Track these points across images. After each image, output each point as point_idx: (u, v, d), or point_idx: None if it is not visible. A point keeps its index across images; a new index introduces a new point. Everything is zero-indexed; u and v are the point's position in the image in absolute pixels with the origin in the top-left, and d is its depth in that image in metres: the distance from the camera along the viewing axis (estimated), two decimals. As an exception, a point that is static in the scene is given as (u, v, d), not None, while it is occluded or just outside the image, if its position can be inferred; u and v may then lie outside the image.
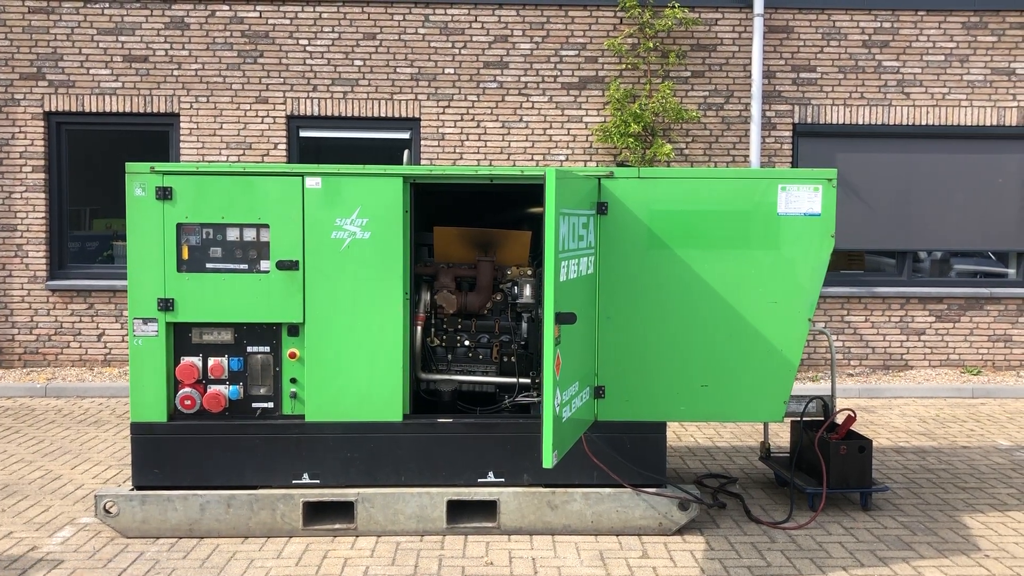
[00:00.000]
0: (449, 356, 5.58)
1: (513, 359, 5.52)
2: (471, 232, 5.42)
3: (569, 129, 9.81)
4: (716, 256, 5.07)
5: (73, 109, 9.75)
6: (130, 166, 5.02)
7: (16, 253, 9.78)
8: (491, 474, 5.14)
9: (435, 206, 5.93)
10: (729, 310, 5.07)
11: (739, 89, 9.86)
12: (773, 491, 5.97)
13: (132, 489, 5.07)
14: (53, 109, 9.75)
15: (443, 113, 9.80)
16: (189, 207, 5.01)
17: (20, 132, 9.73)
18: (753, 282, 5.08)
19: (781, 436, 7.32)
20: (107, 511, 5.01)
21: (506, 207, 5.99)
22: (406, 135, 9.91)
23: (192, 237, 5.05)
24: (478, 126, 9.81)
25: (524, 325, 5.52)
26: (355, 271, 5.04)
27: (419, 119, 9.83)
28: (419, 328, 5.35)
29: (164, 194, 4.99)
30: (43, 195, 9.76)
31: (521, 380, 5.38)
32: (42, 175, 9.76)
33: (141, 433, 5.07)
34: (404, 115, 9.81)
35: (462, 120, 9.81)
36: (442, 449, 5.13)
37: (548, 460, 4.16)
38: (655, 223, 5.06)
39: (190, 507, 5.02)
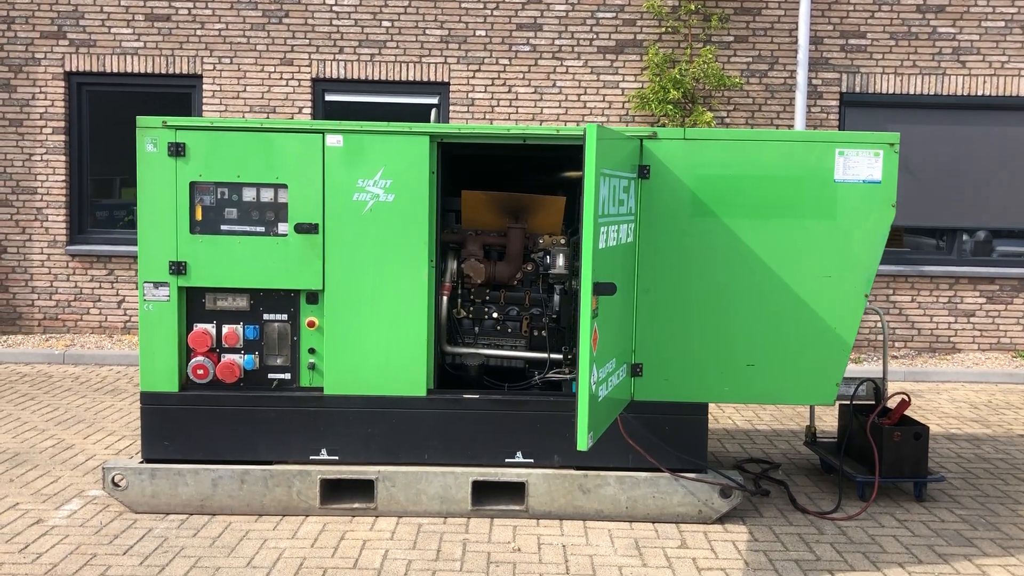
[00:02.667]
0: (476, 329, 5.26)
1: (544, 333, 5.19)
2: (501, 197, 5.07)
3: (605, 95, 9.40)
4: (766, 225, 4.69)
5: (94, 69, 9.49)
6: (141, 120, 4.72)
7: (36, 217, 9.58)
8: (519, 454, 4.83)
9: (463, 170, 5.59)
10: (779, 284, 4.70)
11: (784, 55, 9.40)
12: (819, 478, 5.62)
13: (142, 462, 4.82)
14: (74, 69, 9.50)
15: (473, 77, 9.43)
16: (203, 165, 4.71)
17: (40, 93, 9.49)
18: (806, 254, 4.70)
19: (825, 420, 6.95)
20: (115, 484, 4.77)
21: (538, 172, 5.64)
22: (434, 100, 9.55)
23: (206, 197, 4.75)
24: (509, 91, 9.43)
25: (556, 297, 5.18)
26: (378, 236, 4.72)
27: (448, 83, 9.47)
28: (445, 298, 5.03)
29: (177, 150, 4.69)
30: (63, 158, 9.53)
31: (552, 355, 5.05)
32: (62, 137, 9.52)
33: (151, 403, 4.80)
34: (433, 79, 9.45)
35: (493, 85, 9.43)
36: (468, 427, 4.82)
37: (583, 442, 3.83)
38: (701, 189, 4.68)
39: (202, 482, 4.76)
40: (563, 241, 5.18)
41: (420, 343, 4.78)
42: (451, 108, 9.42)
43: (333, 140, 4.71)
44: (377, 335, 4.76)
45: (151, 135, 4.71)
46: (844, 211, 4.69)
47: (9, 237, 9.60)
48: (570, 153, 5.29)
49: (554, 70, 9.41)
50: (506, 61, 9.41)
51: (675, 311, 4.72)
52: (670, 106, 8.81)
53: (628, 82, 9.40)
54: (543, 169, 5.65)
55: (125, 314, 9.62)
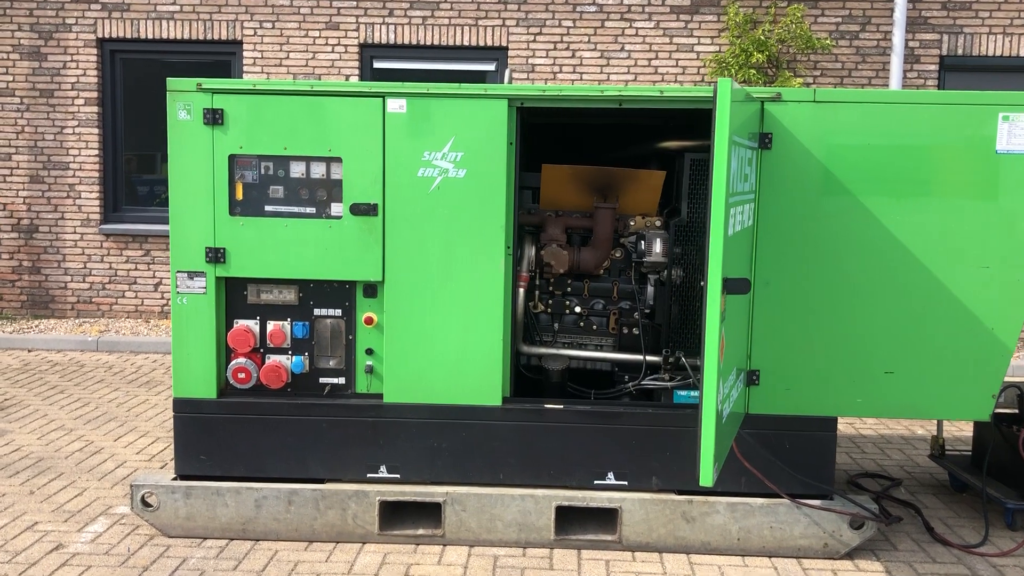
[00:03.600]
0: (555, 325, 4.56)
1: (635, 331, 4.47)
2: (589, 171, 4.33)
3: (678, 60, 8.58)
4: (911, 206, 3.91)
5: (128, 35, 8.87)
6: (172, 82, 4.05)
7: (68, 194, 9.02)
8: (611, 475, 4.12)
9: (537, 142, 4.86)
10: (926, 276, 3.92)
11: (878, 15, 8.49)
12: (950, 498, 4.85)
13: (175, 478, 4.19)
14: (107, 35, 8.89)
15: (533, 41, 8.66)
16: (244, 135, 4.03)
17: (72, 61, 8.90)
18: (959, 240, 3.91)
19: (952, 429, 6.14)
20: (145, 503, 4.15)
21: (625, 145, 4.88)
22: (491, 67, 8.80)
23: (248, 172, 4.07)
24: (573, 56, 8.64)
25: (650, 289, 4.45)
26: (447, 218, 4.01)
27: (506, 48, 8.71)
28: (521, 291, 4.32)
29: (214, 118, 4.01)
30: (96, 131, 8.95)
31: (649, 358, 4.32)
32: (95, 108, 8.93)
33: (185, 411, 4.16)
34: (489, 43, 8.69)
35: (555, 49, 8.65)
36: (550, 442, 4.12)
37: (707, 476, 3.12)
38: (833, 161, 3.91)
39: (243, 503, 4.12)
40: (658, 223, 4.44)
41: (495, 344, 4.08)
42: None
43: (395, 105, 4.00)
44: (445, 334, 4.07)
45: (184, 100, 4.03)
46: (1008, 189, 3.89)
47: (40, 216, 9.06)
48: (671, 119, 4.54)
49: (622, 32, 8.60)
50: (570, 23, 8.62)
51: (799, 307, 3.97)
52: (752, 71, 7.98)
53: (704, 45, 8.56)
54: (631, 141, 4.90)
55: (162, 297, 9.05)
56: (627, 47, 8.61)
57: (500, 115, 3.98)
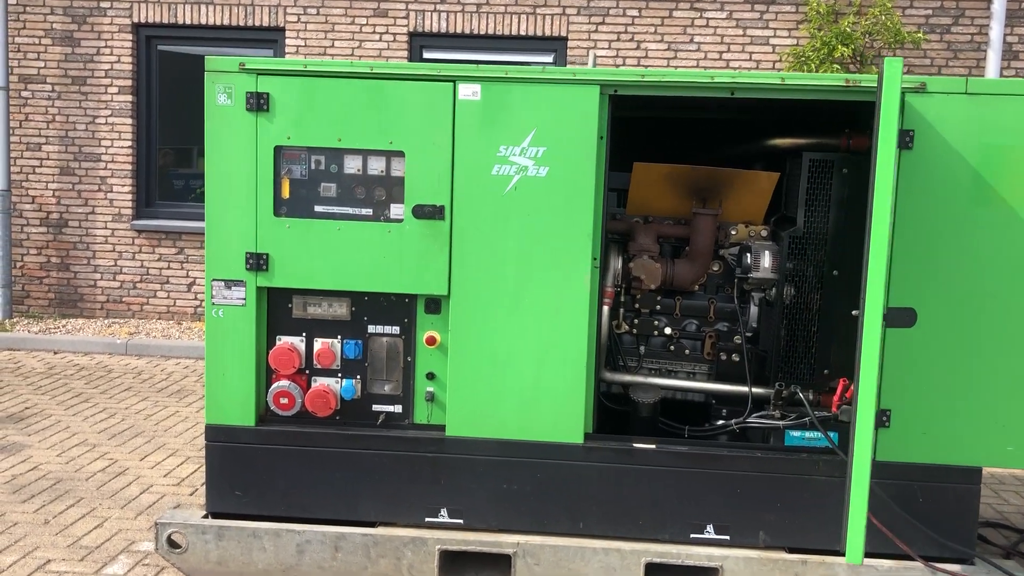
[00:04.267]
0: (641, 348, 3.97)
1: (735, 358, 3.87)
2: (690, 172, 3.74)
3: (751, 53, 7.94)
4: (1081, 220, 3.27)
5: (165, 20, 8.40)
6: (211, 61, 3.51)
7: (100, 187, 8.57)
8: (710, 528, 3.53)
9: (617, 139, 4.27)
10: (1097, 304, 3.29)
11: (973, 7, 7.80)
12: (1091, 557, 4.18)
13: (206, 516, 3.66)
14: (143, 20, 8.42)
15: (595, 31, 8.06)
16: (293, 123, 3.49)
17: (106, 47, 8.45)
18: None
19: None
20: (172, 544, 3.62)
21: (720, 145, 4.27)
22: (549, 58, 8.22)
23: (296, 167, 3.53)
24: (638, 47, 8.04)
25: (754, 309, 3.85)
26: (525, 223, 3.45)
27: (566, 39, 8.12)
28: (606, 308, 3.74)
29: (258, 103, 3.47)
30: (130, 121, 8.49)
31: (755, 390, 3.72)
32: (129, 97, 8.47)
33: (219, 440, 3.63)
34: (547, 33, 8.11)
35: (618, 40, 8.05)
36: (640, 488, 3.53)
37: (857, 552, 2.52)
38: (988, 165, 3.29)
39: (283, 547, 3.58)
40: (764, 233, 3.85)
41: (577, 372, 3.50)
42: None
43: (468, 91, 3.43)
44: (519, 359, 3.50)
45: (224, 82, 3.50)
46: None
47: (70, 210, 8.62)
48: (785, 113, 3.94)
49: (692, 23, 7.98)
50: (635, 12, 8.02)
51: (942, 337, 3.34)
52: (836, 66, 7.32)
53: (780, 38, 7.92)
54: (721, 138, 4.29)
55: (196, 298, 8.58)
56: (696, 39, 7.99)
57: (590, 104, 3.41)
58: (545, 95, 3.41)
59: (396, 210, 3.52)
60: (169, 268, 8.57)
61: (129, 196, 8.55)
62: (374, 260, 3.50)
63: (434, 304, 3.56)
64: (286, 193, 3.55)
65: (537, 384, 3.51)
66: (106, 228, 8.61)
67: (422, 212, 3.46)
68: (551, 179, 3.43)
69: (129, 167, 8.52)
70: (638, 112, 3.89)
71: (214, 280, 3.57)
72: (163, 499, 4.54)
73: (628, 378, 3.85)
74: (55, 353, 7.72)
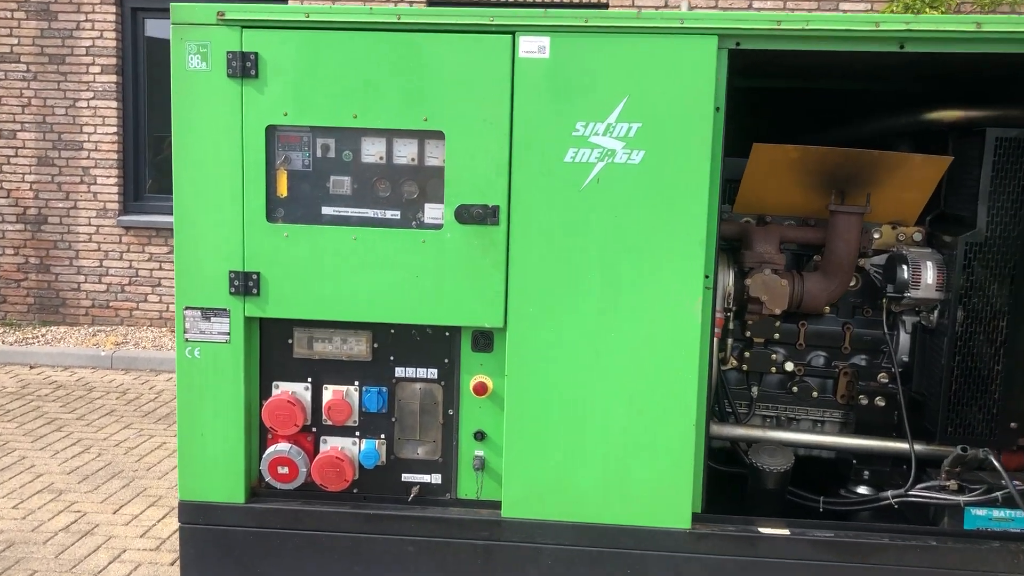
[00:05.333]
0: (753, 389, 3.02)
1: (879, 402, 2.92)
2: (830, 156, 2.78)
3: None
4: None
5: (152, -9, 7.46)
6: (178, 10, 2.57)
7: (82, 179, 7.66)
8: (866, 643, 2.59)
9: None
10: None
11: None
12: None
13: (181, 622, 2.74)
14: (127, -9, 7.49)
15: (640, -3, 7.09)
16: (291, 95, 2.55)
17: (86, 21, 7.53)
18: None
19: None
20: (137, 660, 2.71)
21: (845, 121, 3.29)
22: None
23: (296, 154, 2.60)
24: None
25: (904, 338, 2.92)
26: (610, 228, 2.51)
27: (607, 4, 7.15)
28: (716, 340, 2.79)
29: (244, 67, 2.54)
30: (115, 104, 7.58)
31: (917, 447, 2.77)
32: (114, 78, 7.55)
33: (197, 523, 2.71)
34: None
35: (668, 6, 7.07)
36: (769, 587, 2.60)
37: None
38: None
39: (285, 667, 2.66)
40: (917, 237, 2.89)
41: (684, 429, 2.56)
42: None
43: (532, 46, 2.48)
44: (603, 412, 2.57)
45: (197, 39, 2.55)
46: None
47: (50, 204, 7.72)
48: (925, 89, 2.98)
49: (751, -15, 7.00)
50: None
51: None
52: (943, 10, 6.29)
53: None
54: (849, 113, 3.32)
55: (190, 302, 7.65)
56: None
57: (705, 62, 2.45)
58: (641, 50, 2.46)
59: (433, 212, 2.58)
60: (161, 269, 7.65)
61: (115, 189, 7.65)
62: (403, 280, 2.57)
63: (485, 339, 2.62)
64: (283, 190, 2.61)
65: (628, 447, 2.57)
66: (90, 225, 7.71)
67: (469, 215, 2.52)
68: (648, 167, 2.49)
69: (115, 156, 7.62)
70: (752, 79, 2.93)
71: (187, 309, 2.63)
72: (136, 572, 3.63)
73: (744, 432, 2.90)
74: (31, 368, 6.83)
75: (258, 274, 2.60)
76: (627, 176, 2.50)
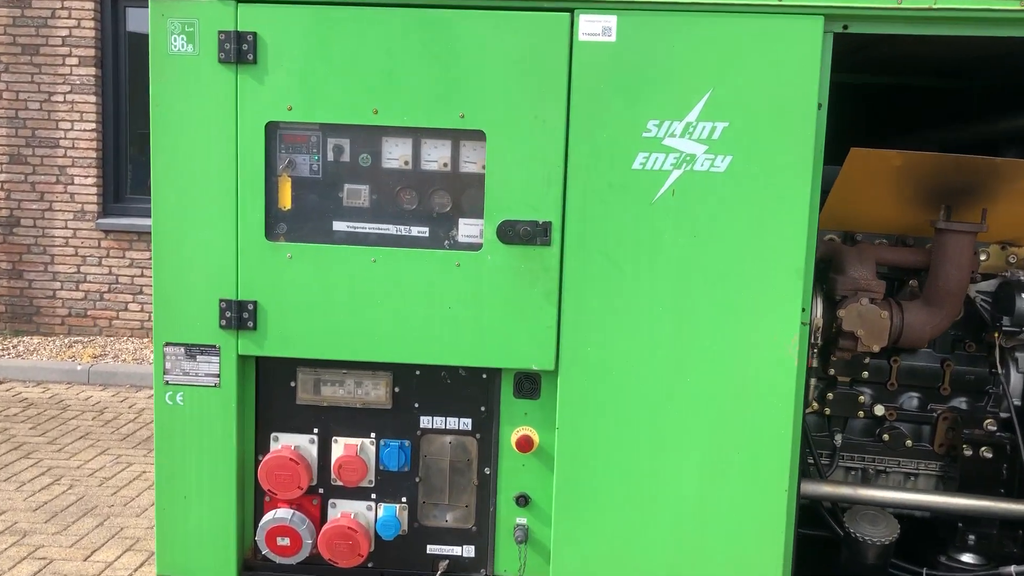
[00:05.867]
0: (836, 437, 2.57)
1: (986, 453, 2.48)
2: (941, 163, 2.33)
3: None
4: None
5: (134, -23, 6.99)
6: (157, -21, 2.11)
7: (58, 179, 7.19)
8: None
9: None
10: None
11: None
12: None
13: None
14: (108, -23, 7.02)
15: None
16: (297, 85, 2.09)
17: (63, 8, 7.10)
18: None
19: None
20: None
21: (956, 125, 2.84)
22: None
23: (302, 158, 2.14)
24: None
25: (1016, 377, 2.48)
26: (688, 253, 2.07)
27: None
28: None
29: (239, 50, 2.07)
30: (94, 98, 7.10)
31: (1038, 512, 2.33)
32: (92, 70, 7.06)
33: (178, 605, 2.24)
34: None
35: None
36: None
37: None
38: None
39: None
40: (1033, 260, 2.45)
41: (773, 498, 2.12)
42: None
43: (595, 27, 2.02)
44: (675, 473, 2.11)
45: (181, 16, 2.09)
46: None
47: (23, 205, 7.25)
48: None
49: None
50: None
51: None
52: None
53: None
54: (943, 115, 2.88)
55: (174, 312, 7.17)
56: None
57: (808, 49, 2.01)
58: (729, 33, 2.01)
59: (469, 229, 2.12)
60: (143, 276, 7.20)
61: (94, 189, 7.22)
62: (432, 311, 2.11)
63: (531, 384, 2.17)
64: (286, 201, 2.14)
65: (704, 517, 2.12)
66: (67, 228, 7.28)
67: (514, 233, 2.06)
68: (735, 176, 2.04)
69: (93, 154, 7.18)
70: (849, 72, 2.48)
71: (168, 346, 2.16)
72: (109, 637, 3.16)
73: (831, 490, 2.45)
74: (0, 383, 6.32)
75: (255, 303, 2.13)
76: (709, 187, 2.04)
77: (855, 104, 2.86)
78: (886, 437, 2.57)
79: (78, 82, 7.11)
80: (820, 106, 2.04)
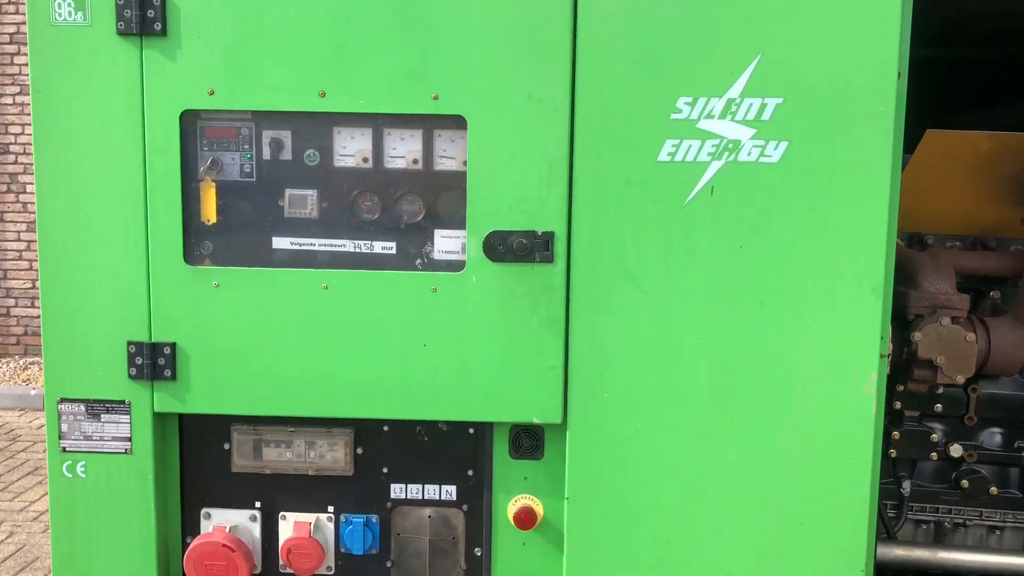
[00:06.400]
0: (904, 484, 2.11)
1: (1089, 500, 2.02)
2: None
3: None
4: None
5: (86, -32, 6.46)
6: (31, -75, 1.62)
7: (9, 187, 6.68)
8: None
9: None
10: None
11: None
12: None
13: None
14: (57, -32, 6.48)
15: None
16: (220, 62, 1.62)
17: (9, 3, 6.63)
18: None
19: None
20: None
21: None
22: None
23: (230, 156, 1.67)
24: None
25: None
26: (731, 268, 1.61)
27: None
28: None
29: (143, 18, 1.61)
30: (46, 100, 6.55)
31: None
32: (43, 70, 6.53)
33: None
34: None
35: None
36: None
37: None
38: None
39: None
40: None
41: (851, 566, 1.64)
42: None
43: (607, -22, 1.55)
44: (716, 557, 1.65)
45: (66, -26, 1.61)
46: None
47: (-29, 215, 6.73)
48: None
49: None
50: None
51: None
52: None
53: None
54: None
55: (138, 328, 6.68)
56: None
57: (887, 6, 1.53)
58: (782, -19, 1.54)
59: (448, 244, 1.65)
60: (103, 290, 6.67)
61: (48, 198, 6.64)
62: (403, 350, 1.63)
63: (532, 440, 1.70)
64: (210, 213, 1.67)
65: (758, 604, 1.65)
66: (19, 240, 6.76)
67: (506, 247, 1.59)
68: (793, 168, 1.58)
69: (46, 160, 6.61)
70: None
71: (63, 403, 1.68)
72: None
73: (906, 553, 1.99)
74: (-54, 411, 5.81)
75: (173, 346, 1.65)
76: (759, 183, 1.58)
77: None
78: (965, 483, 2.11)
79: (28, 82, 6.59)
80: (900, 75, 1.57)
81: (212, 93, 1.62)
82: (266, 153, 1.66)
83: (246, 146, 1.66)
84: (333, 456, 1.73)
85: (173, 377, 1.66)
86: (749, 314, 1.61)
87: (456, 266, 1.64)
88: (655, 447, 1.64)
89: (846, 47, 1.55)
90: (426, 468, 1.73)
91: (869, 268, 1.59)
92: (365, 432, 1.72)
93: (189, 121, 1.63)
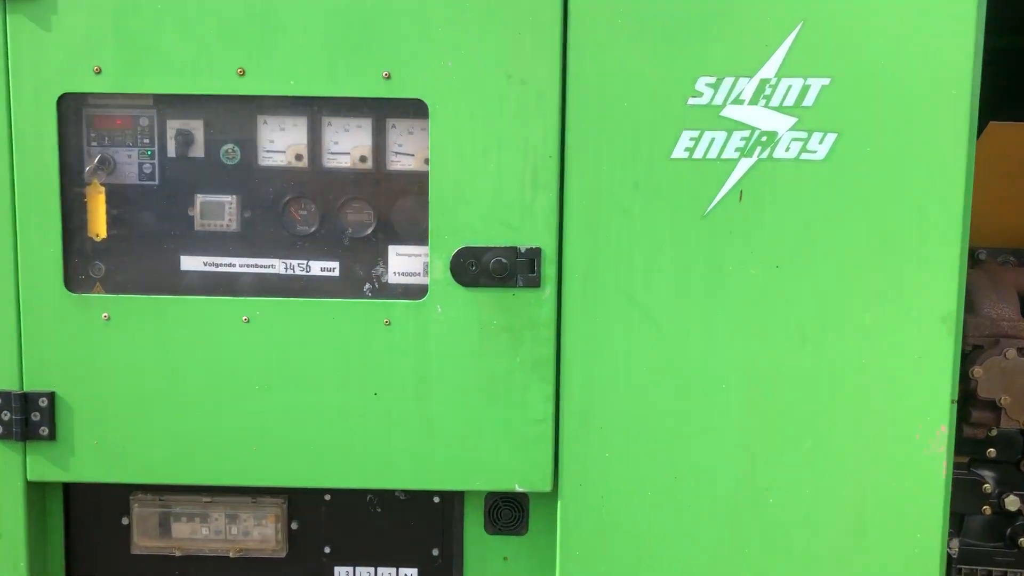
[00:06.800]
0: (951, 542, 1.78)
1: None
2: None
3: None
4: None
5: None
6: None
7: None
8: None
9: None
10: None
11: None
12: None
13: None
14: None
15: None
16: (108, 33, 1.27)
17: None
18: None
19: None
20: None
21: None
22: None
23: (125, 153, 1.30)
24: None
25: None
26: (767, 291, 1.27)
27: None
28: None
29: (0, -27, 1.23)
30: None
31: None
32: None
33: None
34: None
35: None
36: None
37: None
38: None
39: None
40: None
41: None
42: None
43: (608, -78, 1.21)
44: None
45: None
46: None
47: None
48: None
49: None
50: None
51: None
52: None
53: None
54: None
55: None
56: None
57: (967, -41, 1.21)
58: (833, -71, 1.21)
59: (404, 263, 1.31)
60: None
61: None
62: (347, 401, 1.29)
63: (513, 511, 1.37)
64: (99, 227, 1.31)
65: None
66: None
67: (480, 268, 1.25)
68: (843, 166, 1.26)
69: None
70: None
71: (-99, 472, 1.31)
72: None
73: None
74: None
75: (51, 396, 1.29)
76: (800, 185, 1.25)
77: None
78: (1023, 541, 1.80)
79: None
80: (979, 46, 1.25)
81: (99, 72, 1.25)
82: (171, 149, 1.30)
83: (146, 140, 1.30)
84: (261, 533, 1.36)
85: (52, 436, 1.29)
86: (788, 353, 1.27)
87: (416, 292, 1.28)
88: (669, 522, 1.30)
89: (913, 12, 1.22)
90: (380, 547, 1.38)
91: (938, 293, 1.26)
92: (301, 502, 1.36)
93: (70, 108, 1.27)
